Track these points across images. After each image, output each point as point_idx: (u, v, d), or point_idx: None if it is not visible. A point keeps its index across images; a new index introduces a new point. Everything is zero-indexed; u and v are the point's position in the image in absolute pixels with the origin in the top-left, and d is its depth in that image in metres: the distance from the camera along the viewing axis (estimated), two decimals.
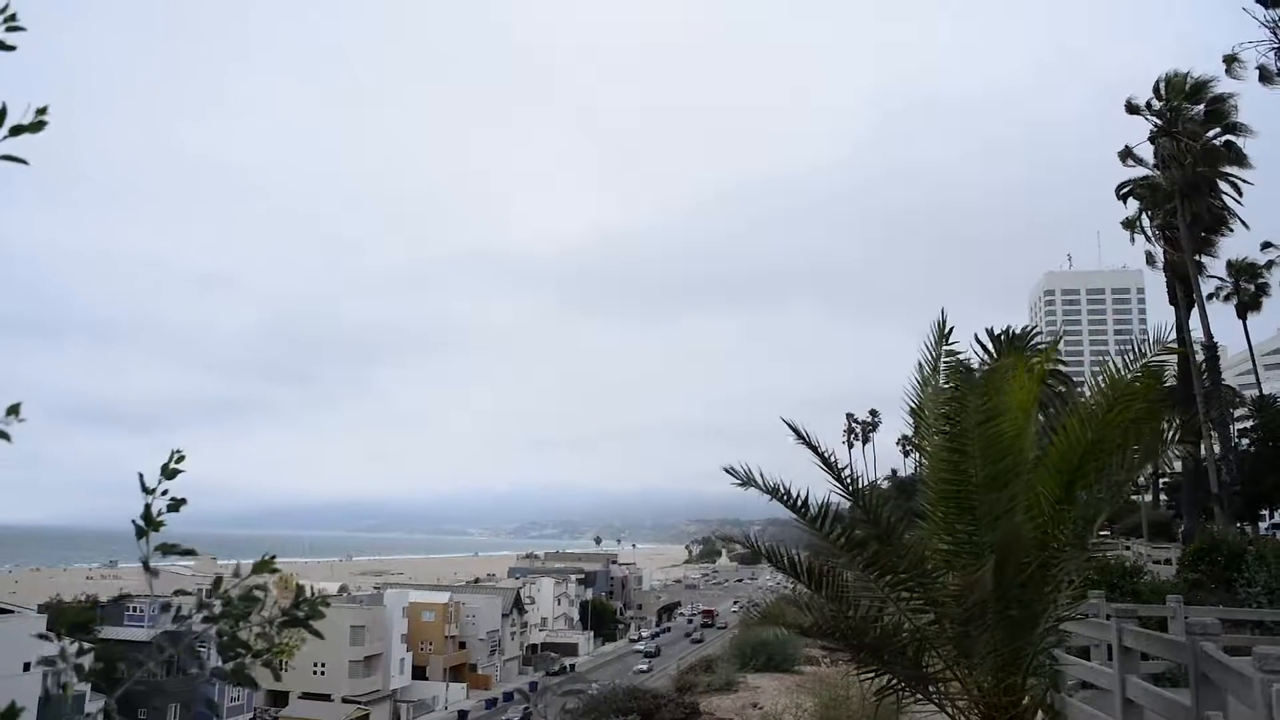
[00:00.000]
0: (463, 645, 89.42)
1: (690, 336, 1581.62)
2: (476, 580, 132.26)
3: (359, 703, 70.57)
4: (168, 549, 2.61)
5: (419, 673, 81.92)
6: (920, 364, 8.46)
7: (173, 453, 2.67)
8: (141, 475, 2.59)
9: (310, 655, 69.61)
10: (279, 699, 69.97)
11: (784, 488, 8.09)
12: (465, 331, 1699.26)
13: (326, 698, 69.33)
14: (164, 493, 2.60)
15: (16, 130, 2.47)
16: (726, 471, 8.22)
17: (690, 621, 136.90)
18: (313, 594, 2.66)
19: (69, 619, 55.81)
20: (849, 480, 8.02)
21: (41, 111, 2.51)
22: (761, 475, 8.13)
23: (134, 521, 2.55)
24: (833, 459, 8.11)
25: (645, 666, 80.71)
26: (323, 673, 70.71)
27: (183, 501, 2.62)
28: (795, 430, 8.27)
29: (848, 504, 8.11)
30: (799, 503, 8.07)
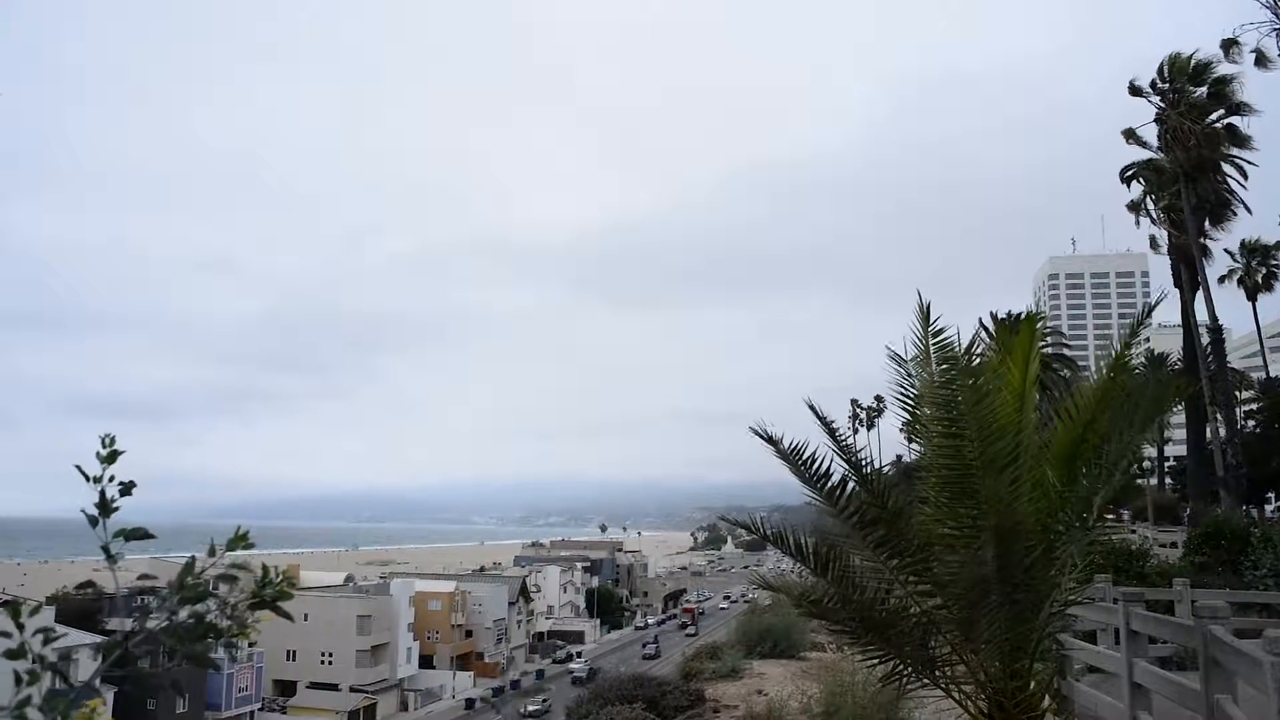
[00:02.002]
0: (469, 634, 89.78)
1: (697, 324, 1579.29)
2: (482, 569, 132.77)
3: (366, 692, 70.85)
4: (128, 534, 2.50)
5: (426, 661, 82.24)
6: (916, 348, 8.38)
7: (103, 438, 2.59)
8: (79, 466, 2.51)
9: (318, 645, 69.97)
10: (287, 689, 70.31)
11: (802, 456, 8.08)
12: (472, 320, 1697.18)
13: (334, 687, 69.63)
14: (111, 478, 2.50)
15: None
16: (754, 431, 8.20)
17: (675, 620, 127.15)
18: (278, 574, 2.55)
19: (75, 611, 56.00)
20: (860, 461, 8.00)
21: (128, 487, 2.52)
22: (782, 440, 8.14)
23: (83, 511, 2.46)
24: (846, 439, 8.10)
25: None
26: (330, 662, 71.01)
27: (131, 485, 2.53)
28: (814, 410, 8.26)
29: (855, 487, 8.09)
30: (816, 474, 8.04)
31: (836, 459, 8.05)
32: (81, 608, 58.15)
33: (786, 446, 8.14)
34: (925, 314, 8.04)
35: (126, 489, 2.51)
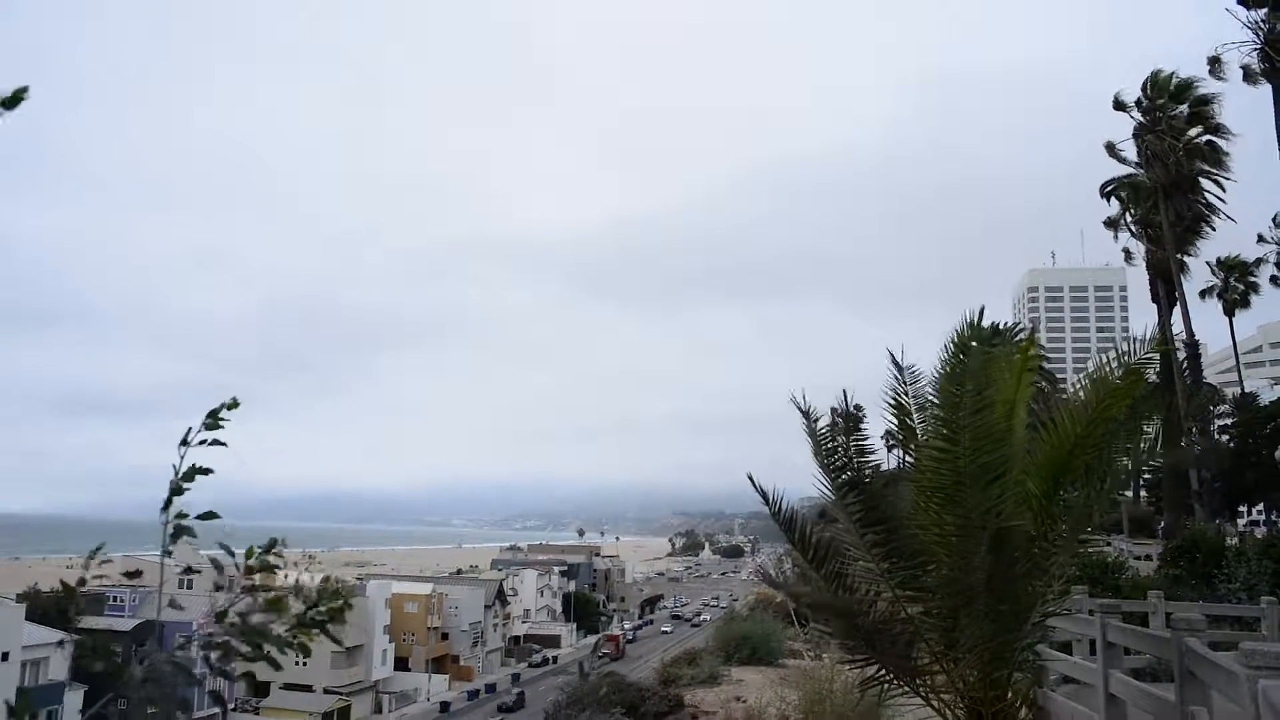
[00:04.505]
0: (445, 636, 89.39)
1: (693, 326, 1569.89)
2: (459, 572, 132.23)
3: (340, 694, 70.40)
4: (181, 529, 2.32)
5: (401, 664, 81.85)
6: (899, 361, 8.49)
7: (223, 404, 2.34)
8: (190, 428, 2.28)
9: None
10: (260, 689, 69.74)
11: (832, 440, 8.16)
12: (467, 321, 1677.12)
13: (308, 688, 69.13)
14: (203, 441, 2.29)
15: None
16: (793, 404, 8.29)
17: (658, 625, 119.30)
18: (337, 586, 2.43)
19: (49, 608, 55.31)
20: (869, 460, 8.11)
21: (20, 93, 2.25)
22: (812, 411, 8.22)
23: (169, 493, 2.26)
24: (866, 439, 8.23)
25: None
26: (304, 663, 70.43)
27: (210, 468, 2.32)
28: (835, 410, 8.46)
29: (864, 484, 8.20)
30: (835, 459, 8.11)
31: (846, 457, 8.16)
32: (53, 606, 57.43)
33: (820, 430, 8.22)
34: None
35: (202, 470, 2.30)
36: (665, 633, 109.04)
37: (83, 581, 2.70)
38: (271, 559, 2.40)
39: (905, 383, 8.34)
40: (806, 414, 8.25)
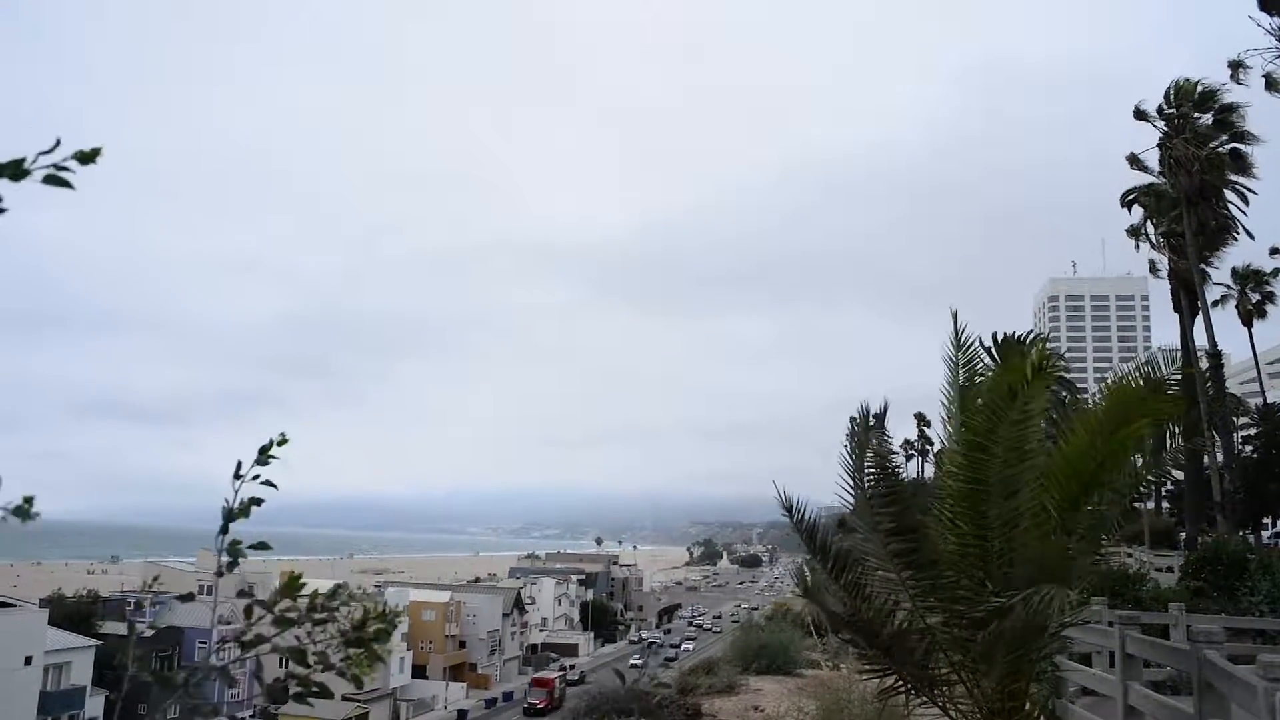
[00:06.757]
0: (463, 644, 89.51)
1: (710, 334, 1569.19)
2: (477, 580, 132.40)
3: (358, 700, 70.59)
4: (234, 549, 2.39)
5: (419, 671, 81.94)
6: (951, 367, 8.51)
7: (273, 440, 2.41)
8: (240, 463, 2.37)
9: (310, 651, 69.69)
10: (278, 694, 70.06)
11: (863, 454, 8.20)
12: (487, 327, 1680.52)
13: (327, 695, 69.37)
14: (255, 477, 2.35)
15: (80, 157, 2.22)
16: (858, 414, 8.29)
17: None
18: (385, 612, 2.43)
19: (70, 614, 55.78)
20: (895, 471, 8.14)
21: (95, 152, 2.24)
22: (872, 414, 8.26)
23: (223, 520, 2.33)
24: (891, 450, 8.24)
25: None
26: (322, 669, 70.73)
27: (263, 499, 2.39)
28: (865, 416, 8.46)
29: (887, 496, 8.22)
30: (866, 474, 8.13)
31: (872, 469, 8.18)
32: (76, 611, 58.03)
33: (857, 447, 8.25)
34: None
35: (255, 500, 2.38)
36: (635, 665, 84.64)
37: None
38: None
39: None
40: (866, 419, 8.30)
